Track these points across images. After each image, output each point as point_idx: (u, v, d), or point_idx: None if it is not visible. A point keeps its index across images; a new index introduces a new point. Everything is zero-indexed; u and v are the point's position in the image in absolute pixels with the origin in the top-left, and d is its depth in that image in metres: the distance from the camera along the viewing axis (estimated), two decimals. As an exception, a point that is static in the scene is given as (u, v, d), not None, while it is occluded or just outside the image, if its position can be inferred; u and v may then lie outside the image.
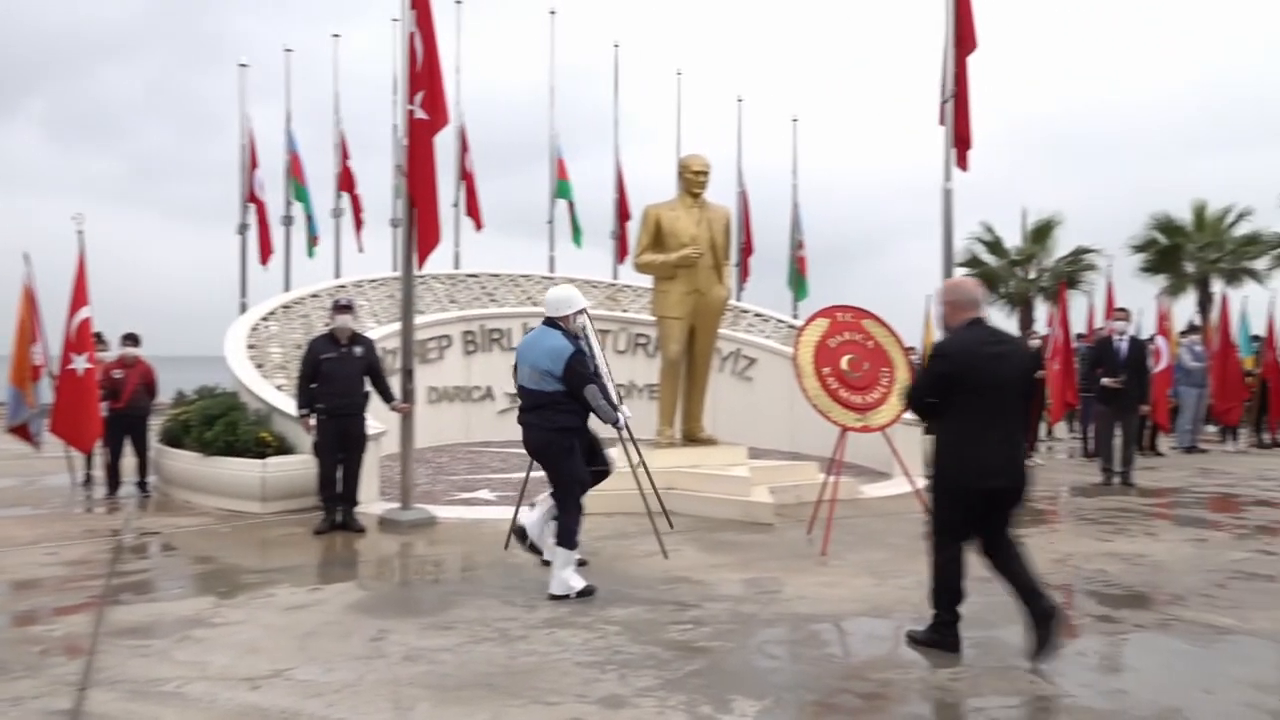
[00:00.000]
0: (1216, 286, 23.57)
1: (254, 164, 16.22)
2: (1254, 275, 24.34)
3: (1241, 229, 24.77)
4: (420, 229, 8.08)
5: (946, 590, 4.64)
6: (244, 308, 14.52)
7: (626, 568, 6.45)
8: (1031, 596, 4.46)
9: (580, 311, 6.00)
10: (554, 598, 5.59)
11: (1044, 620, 4.40)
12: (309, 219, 17.43)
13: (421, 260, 8.27)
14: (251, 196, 16.24)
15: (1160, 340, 14.48)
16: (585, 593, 5.67)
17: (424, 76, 7.98)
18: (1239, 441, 15.40)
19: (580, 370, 5.74)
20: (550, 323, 5.92)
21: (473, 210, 17.69)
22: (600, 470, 6.29)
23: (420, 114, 7.96)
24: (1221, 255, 24.70)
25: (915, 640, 4.75)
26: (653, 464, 8.50)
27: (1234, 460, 13.61)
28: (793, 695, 4.10)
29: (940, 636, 4.66)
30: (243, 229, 15.71)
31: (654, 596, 5.72)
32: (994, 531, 4.57)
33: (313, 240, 17.55)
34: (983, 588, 5.89)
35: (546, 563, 6.05)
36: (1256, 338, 16.39)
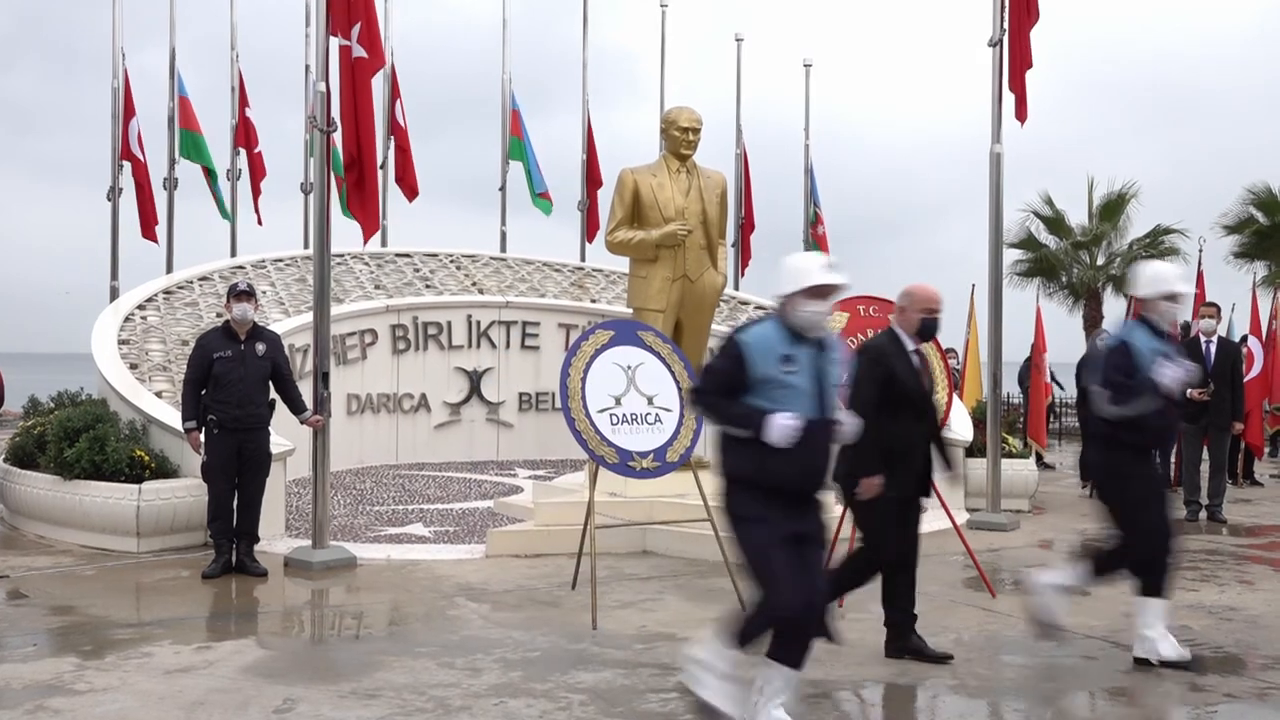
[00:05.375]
0: (1327, 276, 23.79)
1: (130, 111, 16.05)
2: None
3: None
4: (363, 197, 8.13)
5: None
6: (115, 293, 14.41)
7: (595, 621, 6.45)
8: None
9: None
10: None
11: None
12: (212, 179, 17.30)
13: (367, 235, 8.32)
14: (126, 153, 16.08)
15: (1253, 341, 14.63)
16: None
17: (360, 4, 8.02)
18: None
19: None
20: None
21: (405, 175, 17.64)
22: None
23: (359, 51, 8.01)
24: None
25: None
26: (629, 493, 8.55)
27: (1347, 491, 13.78)
28: (801, 781, 4.12)
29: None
30: (114, 193, 15.57)
31: (629, 658, 5.73)
32: None
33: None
34: (1036, 648, 5.94)
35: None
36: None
